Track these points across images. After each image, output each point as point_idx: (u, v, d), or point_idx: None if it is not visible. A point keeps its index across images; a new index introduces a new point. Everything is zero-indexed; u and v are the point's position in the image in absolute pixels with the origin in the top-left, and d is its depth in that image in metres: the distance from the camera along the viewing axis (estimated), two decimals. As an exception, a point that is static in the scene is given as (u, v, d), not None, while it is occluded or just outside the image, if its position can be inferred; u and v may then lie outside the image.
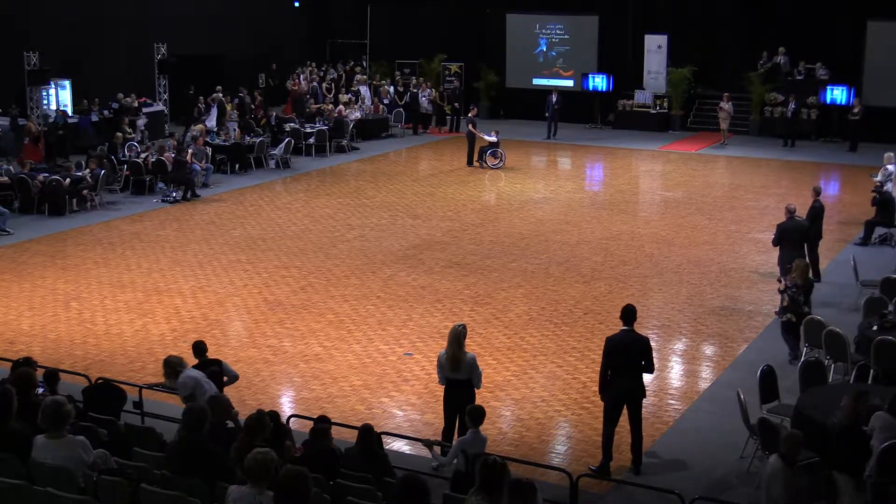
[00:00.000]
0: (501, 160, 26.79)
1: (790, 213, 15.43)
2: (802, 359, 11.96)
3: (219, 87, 30.32)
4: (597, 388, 10.84)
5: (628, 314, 10.41)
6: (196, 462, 7.60)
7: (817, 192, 17.08)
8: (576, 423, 11.66)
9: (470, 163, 26.94)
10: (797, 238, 15.18)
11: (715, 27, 33.21)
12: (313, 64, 35.92)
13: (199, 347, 10.76)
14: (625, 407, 10.42)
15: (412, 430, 11.24)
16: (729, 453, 10.70)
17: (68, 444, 7.57)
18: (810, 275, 13.58)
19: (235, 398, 10.55)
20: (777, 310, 14.14)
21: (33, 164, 22.76)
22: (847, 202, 22.54)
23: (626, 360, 10.34)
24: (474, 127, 27.09)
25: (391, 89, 33.61)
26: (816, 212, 16.61)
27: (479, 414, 9.18)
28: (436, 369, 10.66)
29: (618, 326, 10.64)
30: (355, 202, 22.66)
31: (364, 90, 33.69)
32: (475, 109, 28.79)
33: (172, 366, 9.87)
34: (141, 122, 27.96)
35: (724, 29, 33.12)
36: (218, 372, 10.52)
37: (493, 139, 26.73)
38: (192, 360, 10.42)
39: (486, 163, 26.66)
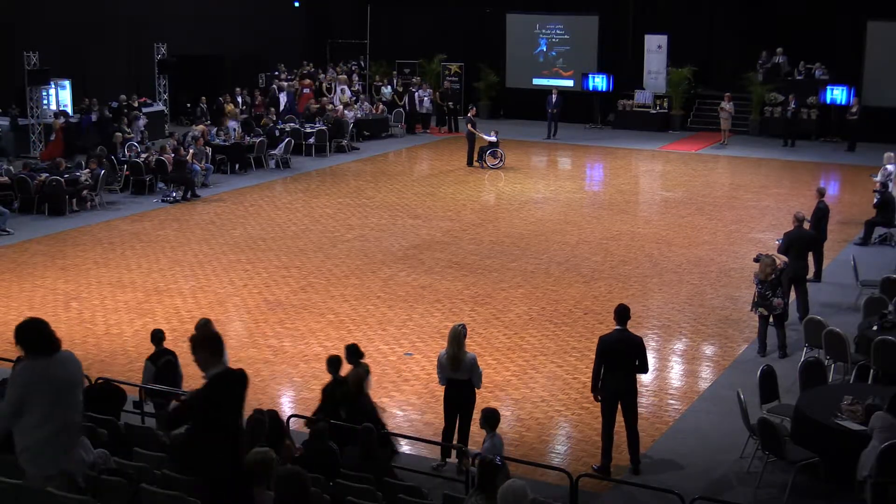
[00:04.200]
0: (501, 160, 26.78)
1: (798, 221, 15.14)
2: (803, 359, 11.97)
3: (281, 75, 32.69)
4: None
5: (622, 314, 10.43)
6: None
7: (821, 192, 17.04)
8: (576, 423, 11.66)
9: (470, 163, 26.92)
10: (803, 247, 15.08)
11: (715, 27, 33.21)
12: (310, 64, 35.89)
13: (157, 336, 11.02)
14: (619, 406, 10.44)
15: (412, 430, 11.24)
16: (729, 453, 10.70)
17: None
18: (777, 266, 13.55)
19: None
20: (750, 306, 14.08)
21: (33, 163, 22.75)
22: (847, 202, 22.53)
23: (619, 360, 10.35)
24: (474, 127, 27.07)
25: (387, 90, 33.58)
26: (822, 213, 16.57)
27: (496, 417, 9.21)
28: (436, 369, 10.67)
29: (618, 326, 10.63)
30: (355, 202, 22.66)
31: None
32: (474, 109, 28.73)
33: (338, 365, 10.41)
34: (141, 122, 27.93)
35: (724, 29, 33.12)
36: (173, 363, 10.81)
37: (493, 139, 26.72)
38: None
39: (485, 163, 26.65)
